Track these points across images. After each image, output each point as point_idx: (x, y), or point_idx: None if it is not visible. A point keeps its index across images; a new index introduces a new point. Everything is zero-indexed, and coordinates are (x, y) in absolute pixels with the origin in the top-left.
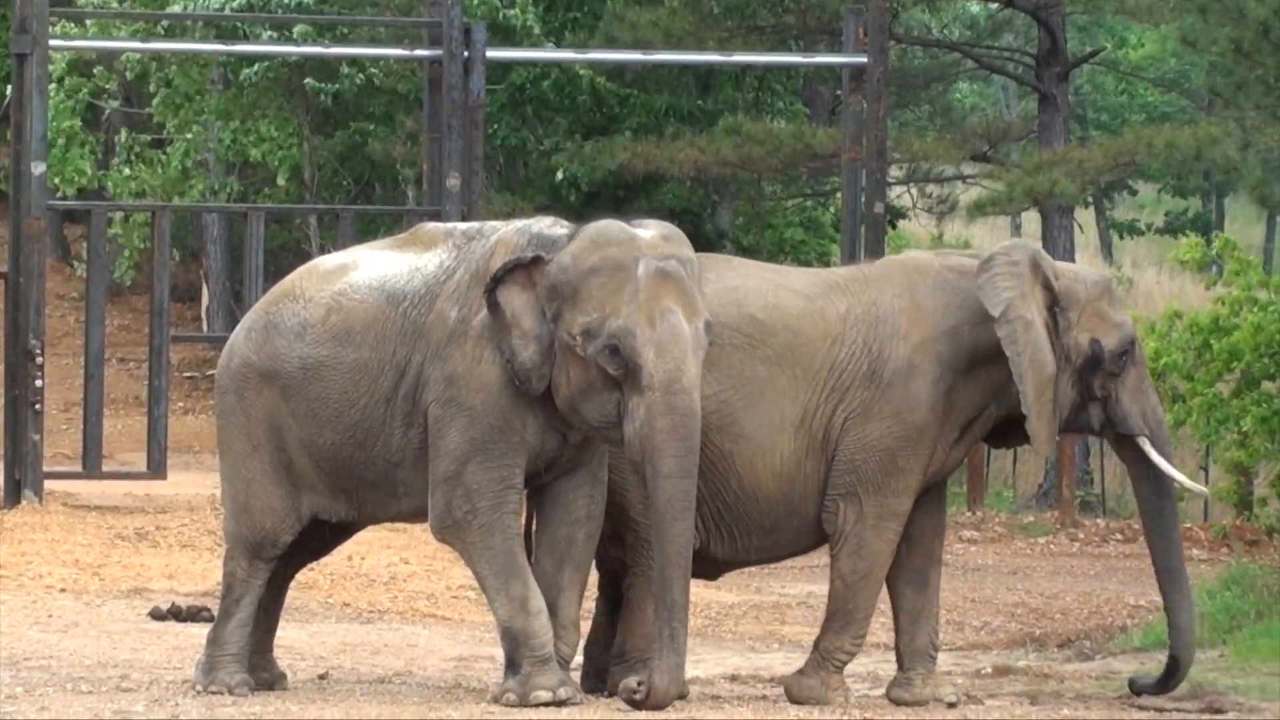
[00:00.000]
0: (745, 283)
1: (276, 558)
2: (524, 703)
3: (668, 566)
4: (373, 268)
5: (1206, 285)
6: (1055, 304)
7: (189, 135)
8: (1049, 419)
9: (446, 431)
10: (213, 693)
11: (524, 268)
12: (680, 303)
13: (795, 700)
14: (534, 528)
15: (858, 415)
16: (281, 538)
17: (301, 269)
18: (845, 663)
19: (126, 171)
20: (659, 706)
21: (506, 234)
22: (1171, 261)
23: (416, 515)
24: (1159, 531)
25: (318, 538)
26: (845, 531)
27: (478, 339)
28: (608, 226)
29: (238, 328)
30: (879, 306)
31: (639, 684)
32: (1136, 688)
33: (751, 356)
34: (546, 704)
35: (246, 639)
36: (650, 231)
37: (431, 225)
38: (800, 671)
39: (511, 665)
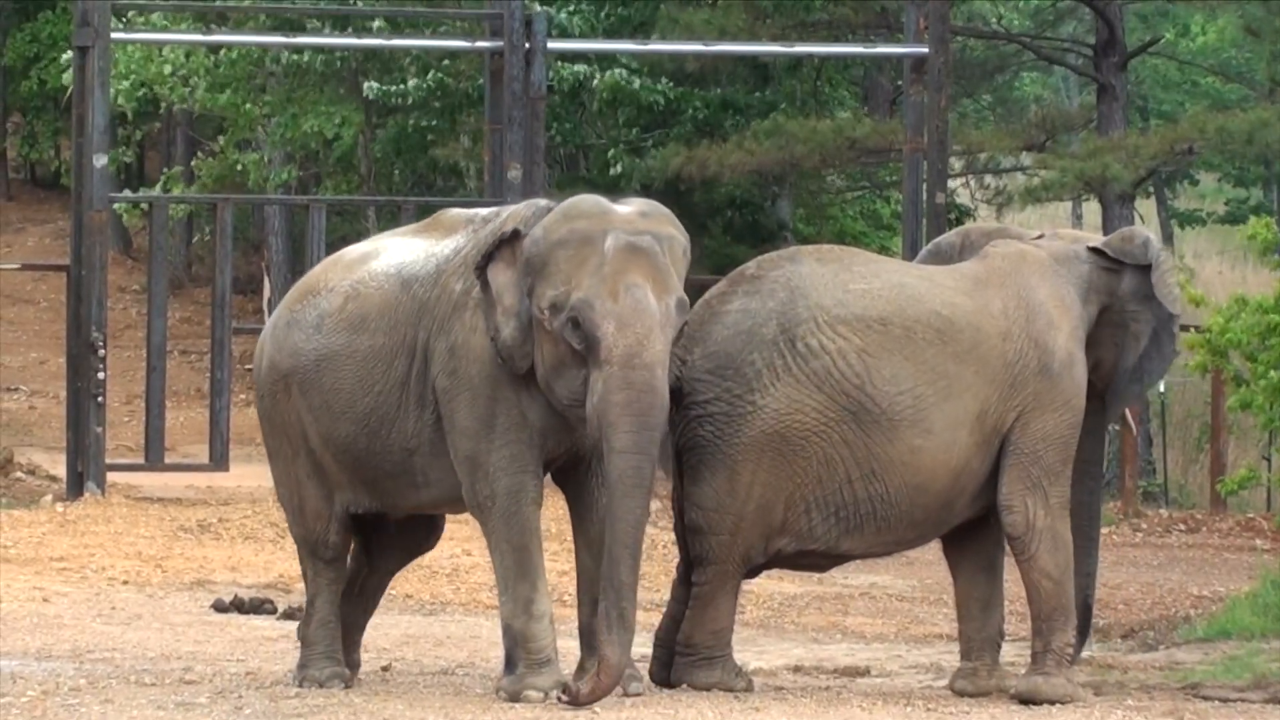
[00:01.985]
0: (907, 279)
1: (336, 557)
2: (514, 700)
3: (615, 545)
4: (392, 255)
5: (1272, 268)
6: None
7: (239, 120)
8: None
9: (456, 407)
10: (304, 688)
11: (507, 243)
12: (649, 277)
13: (1046, 702)
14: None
15: (1032, 408)
16: (329, 538)
17: (325, 261)
18: (1070, 654)
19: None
20: (612, 683)
21: (518, 209)
22: (1240, 240)
23: (439, 505)
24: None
25: (409, 535)
26: (1038, 528)
27: (475, 309)
28: (581, 200)
29: (265, 327)
30: (1026, 299)
31: (569, 688)
32: None
33: (944, 353)
34: (537, 703)
35: (333, 635)
36: (629, 207)
37: (454, 211)
38: (1042, 674)
39: (509, 663)
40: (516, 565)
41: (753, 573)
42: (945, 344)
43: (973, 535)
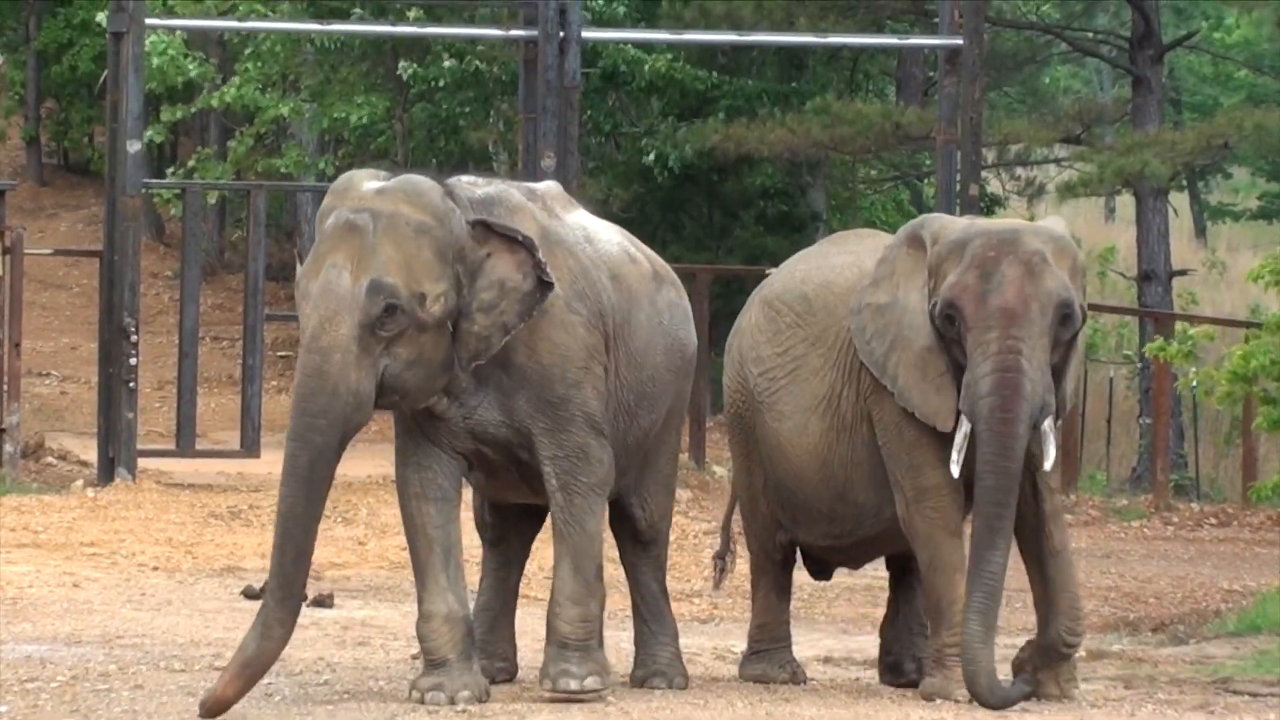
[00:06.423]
0: (829, 260)
1: (494, 540)
2: (420, 700)
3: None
4: None
5: None
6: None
7: (281, 109)
8: (942, 393)
9: None
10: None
11: None
12: (350, 256)
13: (925, 699)
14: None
15: (873, 395)
16: (484, 517)
17: None
18: (955, 654)
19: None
20: (239, 673)
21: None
22: (1247, 281)
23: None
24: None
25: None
26: (904, 522)
27: None
28: (346, 176)
29: None
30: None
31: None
32: None
33: (796, 334)
34: (419, 702)
35: (487, 622)
36: (378, 183)
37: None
38: (928, 674)
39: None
40: (413, 565)
41: (819, 572)
42: (799, 326)
43: (1028, 535)
